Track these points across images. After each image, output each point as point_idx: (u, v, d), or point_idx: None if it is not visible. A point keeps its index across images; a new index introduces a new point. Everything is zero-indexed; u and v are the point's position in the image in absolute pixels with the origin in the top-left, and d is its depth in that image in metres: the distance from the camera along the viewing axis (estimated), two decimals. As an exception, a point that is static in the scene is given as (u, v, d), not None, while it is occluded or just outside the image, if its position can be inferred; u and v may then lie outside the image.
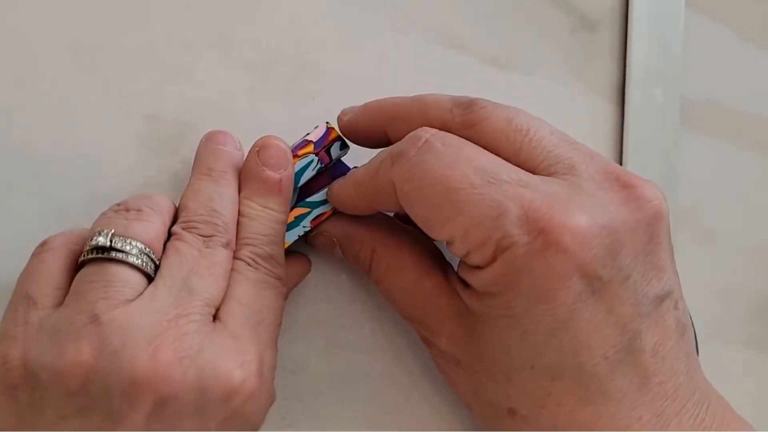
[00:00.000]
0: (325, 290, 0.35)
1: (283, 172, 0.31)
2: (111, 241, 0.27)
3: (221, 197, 0.30)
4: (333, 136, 0.32)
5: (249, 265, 0.30)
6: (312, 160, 0.32)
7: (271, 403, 0.29)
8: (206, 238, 0.29)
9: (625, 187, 0.28)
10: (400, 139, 0.29)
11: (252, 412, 0.27)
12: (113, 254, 0.27)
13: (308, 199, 0.32)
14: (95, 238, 0.28)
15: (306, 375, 0.34)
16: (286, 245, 0.32)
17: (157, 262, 0.28)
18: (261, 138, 0.32)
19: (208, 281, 0.28)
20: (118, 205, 0.30)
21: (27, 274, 0.29)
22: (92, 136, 0.33)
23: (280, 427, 0.33)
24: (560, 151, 0.28)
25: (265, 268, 0.30)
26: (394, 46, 0.37)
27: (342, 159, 0.33)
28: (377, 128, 0.31)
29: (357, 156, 0.33)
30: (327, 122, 0.32)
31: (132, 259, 0.27)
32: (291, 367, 0.34)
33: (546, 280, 0.26)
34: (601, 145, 0.39)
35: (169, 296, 0.27)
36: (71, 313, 0.26)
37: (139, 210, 0.29)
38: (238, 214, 0.30)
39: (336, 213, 0.33)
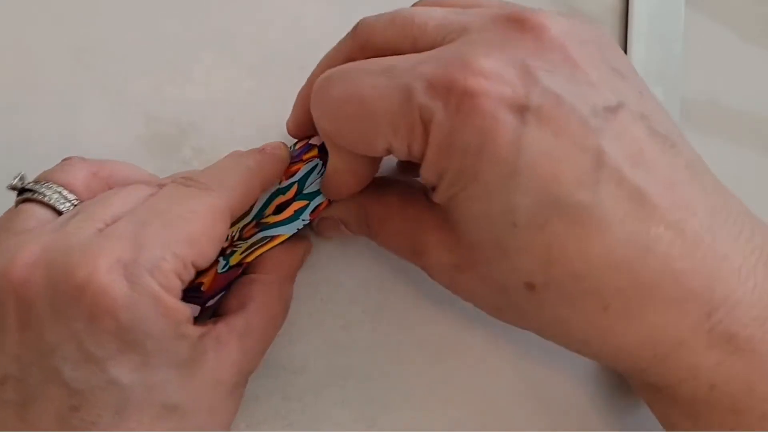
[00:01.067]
0: (325, 290, 0.35)
1: (270, 147, 0.32)
2: (23, 181, 0.30)
3: (236, 164, 0.30)
4: None
5: (179, 183, 0.29)
6: (317, 164, 0.32)
7: (179, 319, 0.27)
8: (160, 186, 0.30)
9: (517, 21, 0.27)
10: None
11: (130, 319, 0.25)
12: (26, 194, 0.29)
13: (305, 191, 0.32)
14: (12, 181, 0.30)
15: (306, 375, 0.34)
16: (285, 238, 0.32)
17: (74, 202, 0.29)
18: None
19: (100, 205, 0.28)
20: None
21: None
22: (93, 136, 0.34)
23: (280, 427, 0.33)
24: (449, 19, 0.28)
25: (197, 182, 0.29)
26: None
27: None
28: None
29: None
30: None
31: (43, 198, 0.29)
32: (291, 367, 0.34)
33: (477, 130, 0.25)
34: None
35: (64, 221, 0.28)
36: None
37: (66, 160, 0.31)
38: None
39: (332, 202, 0.33)
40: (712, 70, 0.40)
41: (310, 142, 0.32)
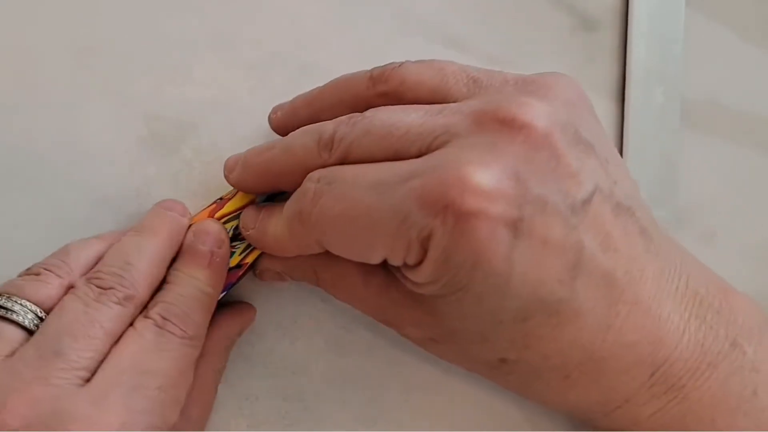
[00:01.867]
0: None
1: (217, 250, 0.31)
2: None
3: (140, 251, 0.30)
4: None
5: (155, 323, 0.29)
6: None
7: None
8: (103, 291, 0.29)
9: (505, 122, 0.27)
10: None
11: None
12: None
13: None
14: None
15: (306, 375, 0.34)
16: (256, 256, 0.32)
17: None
18: (201, 222, 0.32)
19: (80, 343, 0.27)
20: (27, 270, 0.30)
21: None
22: (93, 136, 0.34)
23: (281, 427, 0.33)
24: (431, 124, 0.28)
25: (174, 326, 0.29)
26: (395, 46, 0.37)
27: None
28: (310, 122, 0.31)
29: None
30: None
31: (13, 316, 0.28)
32: (291, 367, 0.34)
33: (473, 249, 0.26)
34: (602, 145, 0.39)
35: (34, 357, 0.27)
36: None
37: (37, 273, 0.30)
38: (164, 281, 0.30)
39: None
40: (712, 71, 0.40)
41: None
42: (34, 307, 0.29)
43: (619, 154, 0.31)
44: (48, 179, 0.33)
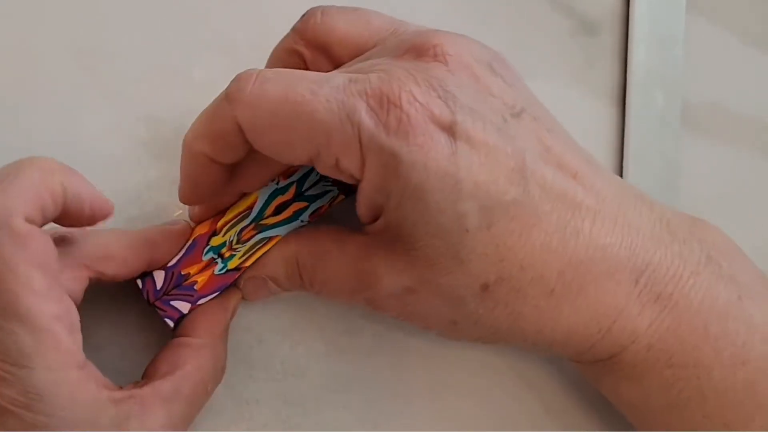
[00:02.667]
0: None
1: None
2: None
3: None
4: None
5: None
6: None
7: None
8: None
9: (421, 49, 0.29)
10: None
11: None
12: None
13: (306, 193, 0.32)
14: None
15: (307, 379, 0.34)
16: (280, 239, 0.32)
17: None
18: None
19: None
20: None
21: None
22: (93, 139, 0.34)
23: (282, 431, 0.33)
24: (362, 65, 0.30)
25: None
26: (395, 49, 0.37)
27: None
28: None
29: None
30: None
31: None
32: (291, 371, 0.34)
33: (418, 147, 0.27)
34: (602, 149, 0.39)
35: None
36: None
37: None
38: None
39: (332, 207, 0.33)
40: (713, 74, 0.40)
41: None
42: None
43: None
44: (48, 182, 0.33)
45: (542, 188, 0.29)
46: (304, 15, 0.32)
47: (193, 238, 0.31)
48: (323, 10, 0.32)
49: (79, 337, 0.27)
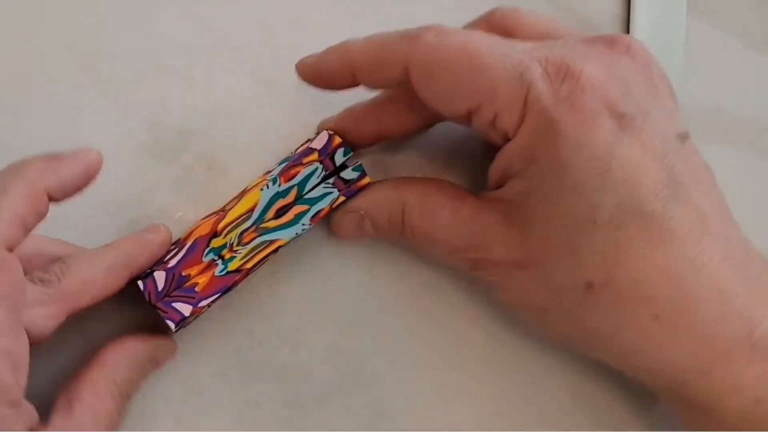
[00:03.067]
0: (327, 296, 0.35)
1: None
2: None
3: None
4: (336, 143, 0.32)
5: None
6: (317, 168, 0.32)
7: None
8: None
9: (613, 43, 0.30)
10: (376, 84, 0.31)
11: None
12: None
13: (306, 196, 0.32)
14: None
15: (308, 381, 0.34)
16: (283, 242, 0.32)
17: None
18: None
19: None
20: None
21: None
22: (93, 142, 0.33)
23: (282, 434, 0.33)
24: (551, 29, 0.31)
25: None
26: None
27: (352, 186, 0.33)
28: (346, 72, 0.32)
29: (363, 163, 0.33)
30: (328, 131, 0.33)
31: None
32: (292, 374, 0.34)
33: (580, 122, 0.27)
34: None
35: None
36: None
37: None
38: None
39: (335, 209, 0.33)
40: (714, 77, 0.40)
41: (310, 146, 0.32)
42: None
43: None
44: (49, 184, 0.33)
45: (683, 212, 0.28)
46: (489, 11, 0.32)
47: (193, 239, 0.31)
48: (510, 7, 0.32)
49: (23, 376, 0.26)
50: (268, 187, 0.32)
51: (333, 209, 0.33)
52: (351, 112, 0.34)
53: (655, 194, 0.27)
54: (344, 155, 0.33)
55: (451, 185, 0.32)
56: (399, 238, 0.33)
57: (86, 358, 0.30)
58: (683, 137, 0.29)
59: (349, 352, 0.34)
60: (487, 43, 0.29)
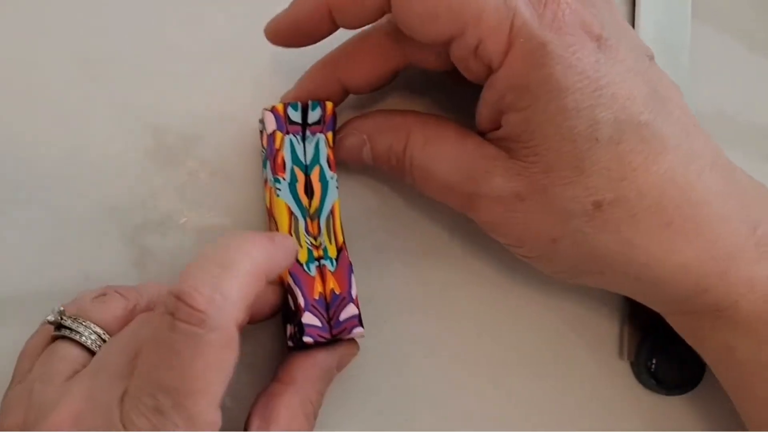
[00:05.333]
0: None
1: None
2: (61, 319, 0.28)
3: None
4: (281, 110, 0.32)
5: (166, 310, 0.24)
6: (290, 140, 0.32)
7: None
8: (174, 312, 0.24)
9: None
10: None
11: None
12: (63, 332, 0.28)
13: (308, 163, 0.32)
14: (49, 315, 0.29)
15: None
16: (337, 201, 0.32)
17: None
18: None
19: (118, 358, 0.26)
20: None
21: (24, 347, 0.30)
22: (99, 147, 0.34)
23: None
24: None
25: (186, 307, 0.24)
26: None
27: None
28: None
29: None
30: (264, 108, 0.32)
31: (77, 337, 0.28)
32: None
33: (568, 44, 0.28)
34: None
35: (87, 375, 0.26)
36: (20, 387, 0.28)
37: (103, 294, 0.30)
38: None
39: (332, 148, 0.32)
40: (717, 81, 0.39)
41: (267, 132, 0.32)
42: (97, 329, 0.28)
43: None
44: (54, 191, 0.33)
45: (672, 122, 0.29)
46: None
47: (287, 274, 0.31)
48: None
49: None
50: (279, 189, 0.32)
51: (333, 146, 0.33)
52: (308, 76, 0.33)
53: (645, 106, 0.28)
54: (296, 110, 0.32)
55: (457, 124, 0.32)
56: (395, 170, 0.32)
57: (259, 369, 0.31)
58: (651, 57, 0.30)
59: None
60: None
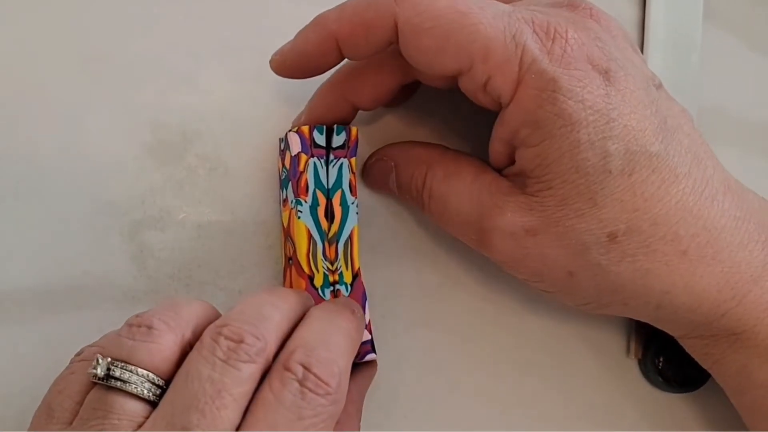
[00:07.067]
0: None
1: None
2: (109, 370, 0.26)
3: (275, 306, 0.27)
4: (306, 133, 0.32)
5: (296, 379, 0.25)
6: (314, 163, 0.32)
7: None
8: (232, 346, 0.25)
9: (577, 6, 0.30)
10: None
11: None
12: (112, 382, 0.25)
13: (330, 186, 0.32)
14: (92, 367, 0.26)
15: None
16: (356, 228, 0.32)
17: (164, 386, 0.26)
18: None
19: (208, 418, 0.24)
20: (138, 316, 0.27)
21: (56, 383, 0.27)
22: (98, 144, 0.34)
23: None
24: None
25: (317, 381, 0.25)
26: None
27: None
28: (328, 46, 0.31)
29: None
30: (291, 130, 0.32)
31: (131, 388, 0.25)
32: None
33: (577, 79, 0.28)
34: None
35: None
36: None
37: (149, 327, 0.26)
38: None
39: (353, 169, 0.32)
40: (719, 79, 0.39)
41: (292, 154, 0.32)
42: (150, 375, 0.25)
43: None
44: (53, 187, 0.33)
45: (682, 151, 0.29)
46: None
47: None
48: None
49: None
50: (301, 212, 0.31)
51: (355, 171, 0.33)
52: (317, 98, 0.33)
53: (655, 137, 0.28)
54: (321, 133, 0.32)
55: (477, 159, 0.32)
56: (415, 201, 0.33)
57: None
58: (658, 86, 0.31)
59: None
60: (479, 6, 0.28)
